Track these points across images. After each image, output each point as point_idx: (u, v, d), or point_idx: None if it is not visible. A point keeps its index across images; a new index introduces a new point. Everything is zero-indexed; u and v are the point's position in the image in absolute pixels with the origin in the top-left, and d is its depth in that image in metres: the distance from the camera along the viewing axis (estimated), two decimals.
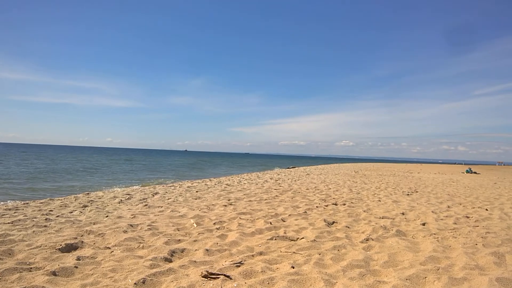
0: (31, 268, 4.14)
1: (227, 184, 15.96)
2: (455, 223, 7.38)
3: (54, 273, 3.97)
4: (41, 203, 9.62)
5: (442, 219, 7.83)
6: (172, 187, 14.58)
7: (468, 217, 8.16)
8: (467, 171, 37.65)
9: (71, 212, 8.10)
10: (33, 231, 5.92)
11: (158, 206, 9.19)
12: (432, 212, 8.80)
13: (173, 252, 4.90)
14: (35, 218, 7.13)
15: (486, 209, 9.60)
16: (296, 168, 41.78)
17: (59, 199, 10.55)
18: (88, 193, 12.33)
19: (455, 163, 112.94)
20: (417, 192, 14.08)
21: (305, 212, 8.48)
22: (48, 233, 5.83)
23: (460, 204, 10.54)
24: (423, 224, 7.20)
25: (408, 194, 12.99)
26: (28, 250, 4.82)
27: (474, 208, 9.85)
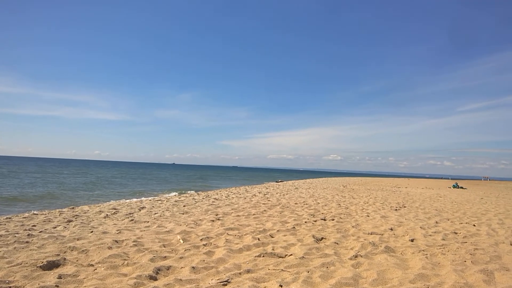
0: (10, 287, 3.99)
1: (215, 198, 15.82)
2: (444, 239, 7.36)
3: None
4: (24, 217, 9.39)
5: (430, 235, 7.81)
6: (159, 201, 14.41)
7: (456, 233, 8.15)
8: (454, 186, 37.92)
9: (55, 228, 7.91)
10: (14, 248, 5.74)
11: (145, 221, 9.03)
12: (421, 227, 8.78)
13: (159, 269, 4.78)
14: (17, 233, 6.93)
15: (474, 225, 9.62)
16: (285, 182, 41.73)
17: (43, 214, 10.33)
18: (73, 208, 12.10)
19: (441, 178, 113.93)
20: (405, 207, 14.09)
21: (294, 227, 8.40)
22: (30, 250, 5.66)
23: (448, 220, 10.55)
24: (412, 240, 7.16)
25: (396, 209, 12.98)
26: (8, 267, 4.66)
27: (462, 223, 9.87)
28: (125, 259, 5.27)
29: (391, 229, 8.45)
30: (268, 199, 16.05)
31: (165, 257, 5.49)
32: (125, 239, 6.62)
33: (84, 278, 4.40)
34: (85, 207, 12.29)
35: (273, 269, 4.95)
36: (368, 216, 10.88)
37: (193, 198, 15.87)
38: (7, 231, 7.16)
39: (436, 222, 9.92)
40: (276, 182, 41.49)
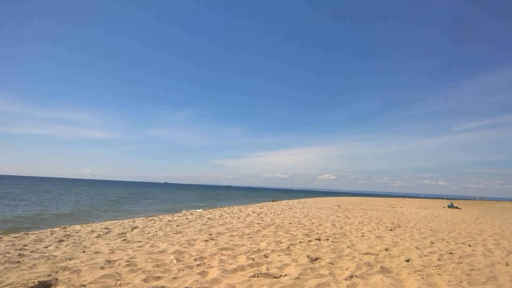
0: None
1: (208, 218, 15.75)
2: (439, 260, 7.38)
3: None
4: (15, 237, 9.30)
5: (426, 255, 7.83)
6: (152, 221, 14.31)
7: (452, 253, 8.18)
8: (449, 206, 38.03)
9: (46, 247, 7.84)
10: (5, 268, 5.70)
11: (137, 241, 8.98)
12: (416, 248, 8.80)
13: None
14: (8, 253, 6.87)
15: (469, 245, 9.65)
16: (279, 201, 41.63)
17: (34, 233, 10.23)
18: (65, 227, 12.02)
19: (436, 198, 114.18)
20: (400, 227, 14.11)
21: (288, 247, 8.38)
22: (21, 270, 5.62)
23: (443, 240, 10.57)
24: (407, 261, 7.18)
25: (391, 229, 12.99)
26: None
27: (457, 244, 9.89)
28: (117, 279, 5.24)
29: (386, 249, 8.46)
30: (262, 219, 16.00)
31: (158, 277, 5.46)
32: (118, 259, 6.59)
33: None
34: (77, 227, 12.19)
35: None
36: (363, 236, 10.88)
37: (186, 218, 15.79)
38: None
39: (432, 242, 9.94)
40: (271, 201, 41.39)
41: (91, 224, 13.80)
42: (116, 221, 15.26)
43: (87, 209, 23.42)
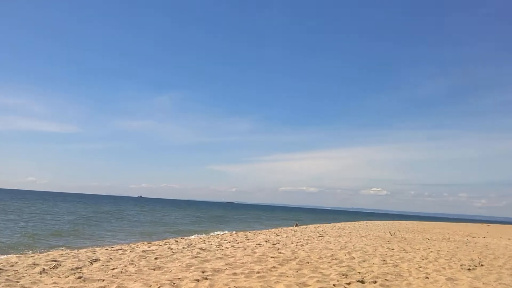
0: None
1: (201, 248, 15.79)
2: None
3: None
4: None
5: None
6: (120, 251, 14.37)
7: None
8: None
9: None
10: None
11: (98, 280, 9.01)
12: None
13: None
14: None
15: None
16: (304, 226, 41.68)
17: None
18: None
19: None
20: (482, 266, 14.01)
21: None
22: None
23: None
24: None
25: (469, 269, 12.90)
26: None
27: None
28: None
29: None
30: (279, 250, 16.01)
31: None
32: None
33: None
34: (13, 258, 12.29)
35: None
36: (427, 278, 10.82)
37: (169, 248, 15.85)
38: None
39: None
40: (293, 226, 41.47)
41: (33, 254, 13.92)
42: (68, 250, 15.38)
43: (29, 233, 23.62)
